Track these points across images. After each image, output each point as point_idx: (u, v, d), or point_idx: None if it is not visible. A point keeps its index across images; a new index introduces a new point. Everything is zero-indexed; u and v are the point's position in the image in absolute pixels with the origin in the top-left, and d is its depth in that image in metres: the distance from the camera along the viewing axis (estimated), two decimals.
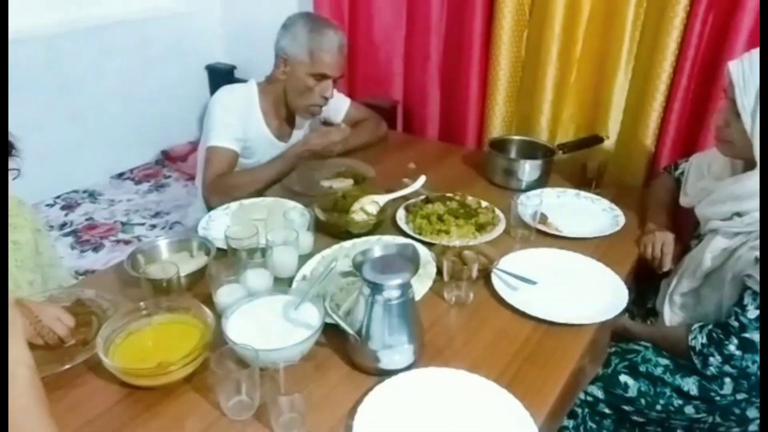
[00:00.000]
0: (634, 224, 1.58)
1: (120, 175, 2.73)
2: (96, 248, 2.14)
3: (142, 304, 1.13)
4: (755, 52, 1.18)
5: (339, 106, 2.09)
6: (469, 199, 1.63)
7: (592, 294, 1.29)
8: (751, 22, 1.65)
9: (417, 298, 1.22)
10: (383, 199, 1.55)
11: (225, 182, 1.69)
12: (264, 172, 1.73)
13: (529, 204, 1.59)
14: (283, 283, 1.31)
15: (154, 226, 2.30)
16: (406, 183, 1.66)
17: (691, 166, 1.51)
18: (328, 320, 1.09)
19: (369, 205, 1.52)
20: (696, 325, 1.26)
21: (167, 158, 2.86)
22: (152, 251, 1.36)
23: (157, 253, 1.37)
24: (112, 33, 2.68)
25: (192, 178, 2.66)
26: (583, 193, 1.73)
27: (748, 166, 1.24)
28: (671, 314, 1.38)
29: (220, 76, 3.05)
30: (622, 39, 1.90)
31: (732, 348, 1.19)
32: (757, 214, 1.17)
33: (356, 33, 2.48)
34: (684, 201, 1.45)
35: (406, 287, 1.01)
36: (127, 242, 2.18)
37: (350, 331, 1.03)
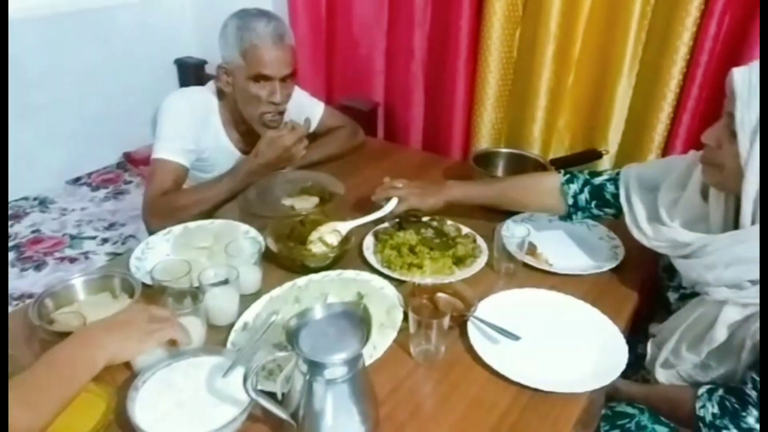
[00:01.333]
0: (635, 258, 1.36)
1: (76, 180, 2.52)
2: (38, 266, 1.93)
3: None
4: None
5: (311, 112, 1.87)
6: (448, 224, 1.43)
7: (586, 350, 1.08)
8: None
9: (378, 354, 1.03)
10: (346, 226, 1.34)
11: (167, 202, 1.47)
12: (210, 192, 1.50)
13: (515, 231, 1.38)
14: (220, 333, 1.11)
15: (105, 240, 2.09)
16: (378, 204, 1.44)
17: (632, 184, 1.22)
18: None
19: (329, 234, 1.31)
20: (703, 390, 1.05)
21: (129, 161, 2.64)
22: (66, 293, 1.15)
23: (71, 294, 1.16)
24: (70, 22, 2.45)
25: None
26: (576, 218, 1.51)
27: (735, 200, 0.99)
28: (665, 375, 1.16)
29: (190, 70, 2.82)
30: (626, 40, 1.69)
31: (751, 421, 0.98)
32: None
33: (334, 28, 2.26)
34: (645, 241, 1.17)
35: (354, 361, 0.80)
36: (72, 260, 1.97)
37: (283, 415, 0.83)
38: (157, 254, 1.34)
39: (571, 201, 1.34)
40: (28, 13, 2.34)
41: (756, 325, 0.98)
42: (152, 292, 1.15)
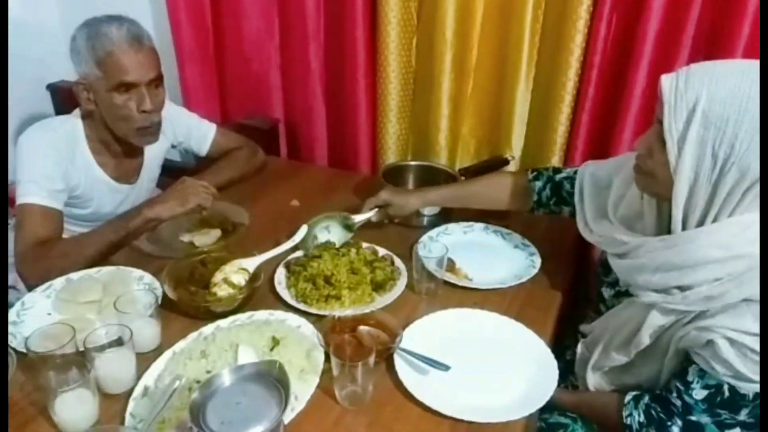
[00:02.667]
0: (552, 265, 1.36)
1: None
2: None
3: None
4: (694, 69, 0.93)
5: (202, 135, 1.74)
6: (364, 247, 1.35)
7: (517, 371, 1.05)
8: (657, 23, 1.49)
9: (300, 406, 0.94)
10: (254, 263, 1.24)
11: (44, 252, 1.29)
12: (89, 246, 1.31)
13: (433, 248, 1.34)
14: (116, 403, 0.97)
15: None
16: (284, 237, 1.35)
17: (586, 184, 1.23)
18: None
19: (235, 273, 1.19)
20: (629, 397, 1.04)
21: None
22: None
23: None
24: None
25: None
26: (491, 227, 1.50)
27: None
28: (594, 378, 1.16)
29: (65, 95, 2.56)
30: (521, 45, 1.69)
31: (675, 430, 0.98)
32: (705, 289, 0.92)
33: (223, 45, 2.13)
34: (589, 237, 1.18)
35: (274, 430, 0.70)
36: None
37: None
38: (36, 315, 1.17)
39: (536, 197, 1.35)
40: None
41: (680, 332, 0.97)
42: (32, 362, 0.99)
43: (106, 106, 1.38)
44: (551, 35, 1.64)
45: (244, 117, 2.17)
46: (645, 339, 1.02)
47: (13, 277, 1.91)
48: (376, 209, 1.43)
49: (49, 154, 1.39)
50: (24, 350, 1.01)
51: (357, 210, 1.46)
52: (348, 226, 1.41)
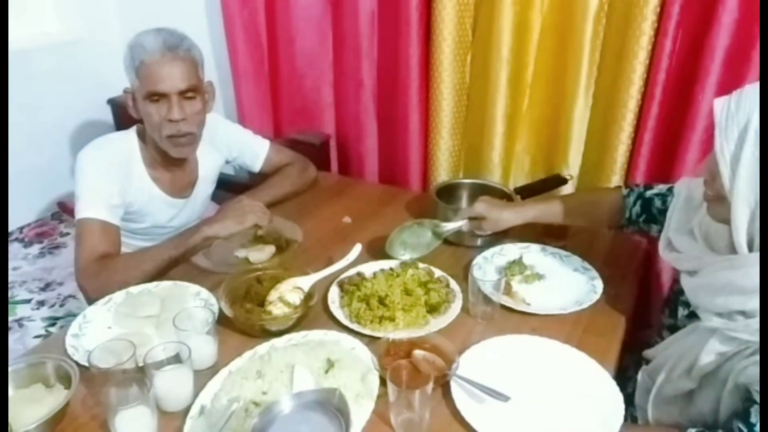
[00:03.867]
0: (614, 289, 1.30)
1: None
2: None
3: None
4: (746, 90, 0.90)
5: (255, 151, 1.76)
6: (420, 267, 1.33)
7: (579, 404, 1.00)
8: (726, 39, 1.43)
9: (355, 431, 0.92)
10: (308, 281, 1.23)
11: (103, 266, 1.32)
12: (147, 260, 1.34)
13: (488, 269, 1.30)
14: (173, 420, 0.98)
15: (41, 303, 1.89)
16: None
17: (680, 200, 1.17)
18: None
19: (290, 292, 1.19)
20: None
21: (65, 211, 2.45)
22: None
23: None
24: None
25: None
26: (549, 248, 1.45)
27: None
28: (655, 412, 1.10)
29: (125, 110, 2.65)
30: (580, 61, 1.65)
31: None
32: None
33: (277, 60, 2.16)
34: (666, 256, 1.13)
35: None
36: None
37: None
38: (96, 328, 1.19)
39: (627, 214, 1.32)
40: None
41: (741, 365, 0.92)
42: (93, 377, 1.01)
43: (143, 115, 1.41)
44: (612, 51, 1.60)
45: (296, 132, 2.19)
46: (703, 365, 0.96)
47: (73, 286, 1.98)
48: (467, 220, 1.39)
49: (107, 171, 1.43)
50: (86, 364, 1.03)
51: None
52: (437, 234, 1.39)
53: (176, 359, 1.01)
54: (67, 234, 2.34)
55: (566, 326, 1.20)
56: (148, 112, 1.38)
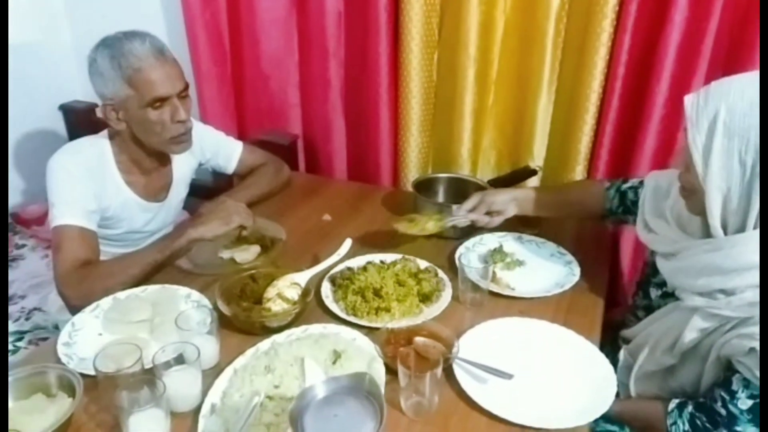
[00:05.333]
0: (589, 272, 1.38)
1: None
2: None
3: None
4: (713, 86, 0.99)
5: (229, 152, 1.75)
6: (406, 259, 1.37)
7: (574, 377, 1.07)
8: (678, 35, 1.54)
9: None
10: (305, 277, 1.25)
11: (86, 274, 1.29)
12: (132, 265, 1.32)
13: (471, 258, 1.36)
14: (184, 420, 0.98)
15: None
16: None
17: (648, 190, 1.26)
18: None
19: (288, 288, 1.20)
20: (673, 405, 1.06)
21: (18, 222, 2.33)
22: None
23: None
24: None
25: None
26: (525, 236, 1.52)
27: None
28: (637, 386, 1.18)
29: (78, 116, 2.56)
30: (543, 57, 1.73)
31: None
32: (750, 295, 0.95)
33: (242, 62, 2.15)
34: (644, 237, 1.22)
35: None
36: None
37: None
38: (86, 335, 1.17)
39: (607, 206, 1.40)
40: None
41: (723, 339, 1.00)
42: (97, 384, 0.99)
43: (139, 122, 1.38)
44: (574, 48, 1.68)
45: (261, 133, 2.19)
46: (688, 341, 1.04)
47: (37, 299, 1.91)
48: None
49: (81, 176, 1.39)
50: (85, 371, 1.01)
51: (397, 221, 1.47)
52: (440, 226, 1.44)
53: (179, 361, 1.01)
54: (23, 246, 2.23)
55: (550, 307, 1.27)
56: (148, 118, 1.35)
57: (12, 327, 1.78)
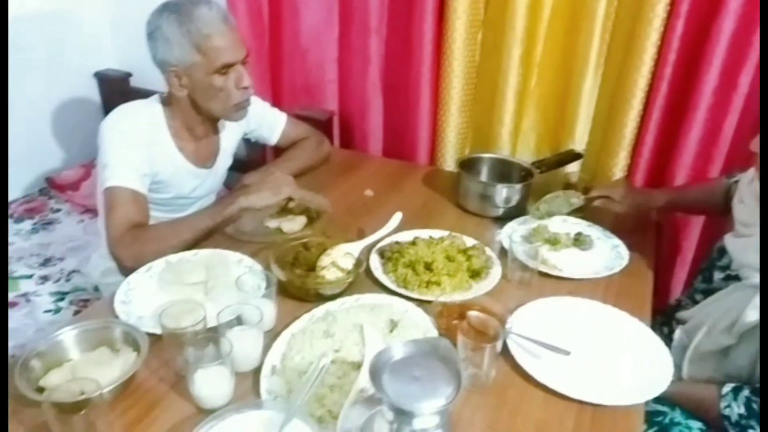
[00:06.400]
0: (637, 255, 1.39)
1: None
2: None
3: None
4: None
5: (273, 123, 1.75)
6: (453, 236, 1.38)
7: (629, 357, 1.08)
8: (732, 23, 1.52)
9: None
10: (357, 247, 1.26)
11: (138, 236, 1.30)
12: (184, 229, 1.33)
13: (515, 238, 1.36)
14: (245, 380, 0.99)
15: (45, 279, 1.83)
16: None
17: (743, 184, 1.25)
18: None
19: (342, 258, 1.21)
20: (728, 389, 1.07)
21: (53, 187, 2.35)
22: (55, 351, 0.98)
23: (62, 352, 0.99)
24: None
25: (89, 211, 2.20)
26: (571, 219, 1.52)
27: None
28: (691, 368, 1.19)
29: (113, 84, 2.57)
30: (590, 40, 1.71)
31: None
32: None
33: (280, 36, 2.14)
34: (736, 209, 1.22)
35: (446, 409, 0.72)
36: (12, 305, 1.71)
37: None
38: (142, 295, 1.19)
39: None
40: None
41: None
42: (155, 341, 1.01)
43: (204, 89, 1.38)
44: (624, 31, 1.67)
45: (298, 109, 2.18)
46: (747, 321, 1.04)
47: (75, 261, 1.93)
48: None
49: (135, 139, 1.40)
50: (148, 328, 1.03)
51: (437, 199, 1.48)
52: (571, 204, 1.48)
53: (237, 322, 1.03)
54: (59, 210, 2.25)
55: (600, 289, 1.27)
56: (214, 85, 1.36)
57: (52, 288, 1.81)
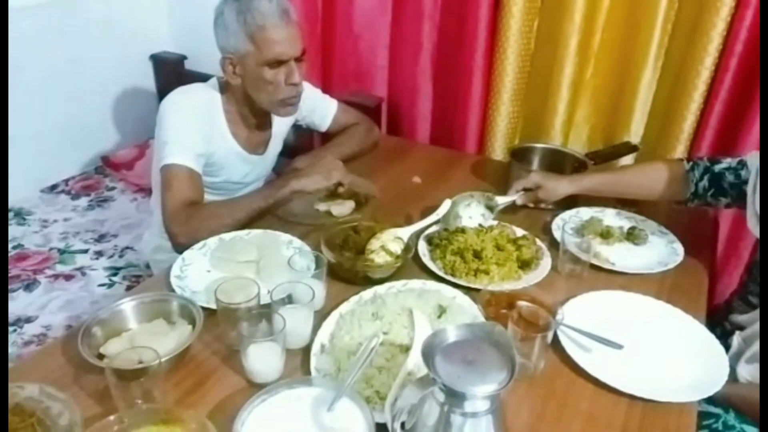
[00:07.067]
0: (693, 252, 1.34)
1: (52, 188, 2.29)
2: (28, 286, 1.74)
3: (111, 418, 0.79)
4: None
5: (325, 110, 1.77)
6: (503, 225, 1.36)
7: (683, 354, 1.05)
8: None
9: None
10: (407, 232, 1.26)
11: (193, 214, 1.33)
12: (238, 209, 1.36)
13: (566, 230, 1.33)
14: (294, 357, 1.01)
15: (100, 254, 1.90)
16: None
17: (755, 173, 1.19)
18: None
19: (391, 242, 1.22)
20: None
21: (109, 165, 2.43)
22: (115, 320, 1.02)
23: (121, 322, 1.02)
24: (33, 16, 2.21)
25: (142, 190, 2.27)
26: (624, 213, 1.49)
27: None
28: (747, 369, 1.15)
29: (168, 67, 2.63)
30: (652, 30, 1.67)
31: None
32: None
33: (333, 20, 2.14)
34: (754, 226, 1.19)
35: (497, 394, 0.72)
36: (68, 277, 1.78)
37: None
38: (196, 271, 1.22)
39: (692, 188, 1.32)
40: None
41: None
42: (209, 316, 1.03)
43: (254, 79, 1.40)
44: (688, 21, 1.61)
45: (347, 94, 2.19)
46: None
47: (129, 238, 1.99)
48: (522, 192, 1.42)
49: (193, 119, 1.43)
50: (201, 303, 1.06)
51: (487, 188, 1.47)
52: (490, 207, 1.41)
53: (288, 301, 1.04)
54: (113, 188, 2.33)
55: (653, 285, 1.24)
56: (264, 77, 1.38)
57: (106, 263, 1.87)
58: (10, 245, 1.92)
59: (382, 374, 0.92)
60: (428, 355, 0.73)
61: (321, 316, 1.08)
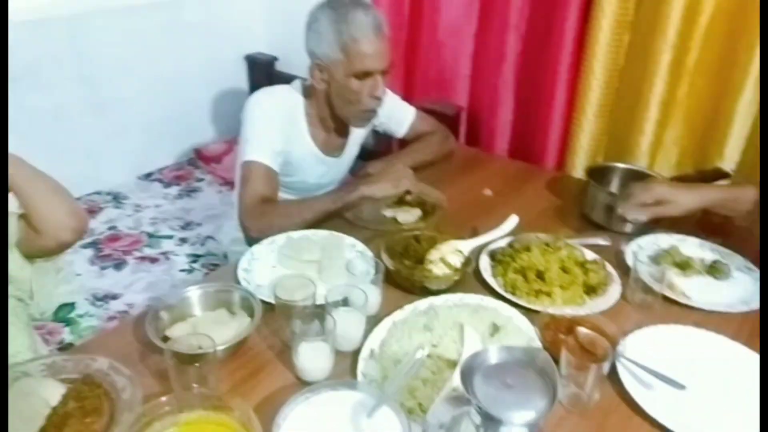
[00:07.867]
0: None
1: (148, 176, 2.47)
2: (118, 265, 1.88)
3: (164, 399, 0.84)
4: None
5: (402, 117, 1.78)
6: (572, 246, 1.31)
7: (753, 403, 0.96)
8: None
9: None
10: (468, 246, 1.25)
11: (266, 210, 1.40)
12: (307, 209, 1.40)
13: (641, 257, 1.26)
14: (343, 360, 1.03)
15: (183, 240, 2.02)
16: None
17: None
18: None
19: (451, 254, 1.21)
20: None
21: (200, 158, 2.58)
22: (182, 306, 1.08)
23: (187, 308, 1.09)
24: (139, 15, 2.39)
25: (227, 183, 2.39)
26: (708, 243, 1.39)
27: None
28: None
29: (261, 67, 2.76)
30: (752, 49, 1.55)
31: None
32: None
33: (419, 29, 2.16)
34: None
35: (537, 422, 0.70)
36: (153, 260, 1.91)
37: None
38: (262, 265, 1.27)
39: None
40: (97, 6, 2.29)
41: None
42: (269, 309, 1.08)
43: (339, 88, 1.45)
44: None
45: (427, 102, 2.20)
46: None
47: (211, 228, 2.10)
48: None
49: (274, 119, 1.49)
50: (262, 296, 1.10)
51: (561, 206, 1.42)
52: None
53: (344, 303, 1.06)
54: (202, 180, 2.47)
55: (732, 325, 1.15)
56: (350, 87, 1.43)
57: (188, 250, 1.99)
58: (105, 226, 2.08)
59: (426, 387, 0.92)
60: (467, 375, 0.72)
61: (375, 322, 1.09)
